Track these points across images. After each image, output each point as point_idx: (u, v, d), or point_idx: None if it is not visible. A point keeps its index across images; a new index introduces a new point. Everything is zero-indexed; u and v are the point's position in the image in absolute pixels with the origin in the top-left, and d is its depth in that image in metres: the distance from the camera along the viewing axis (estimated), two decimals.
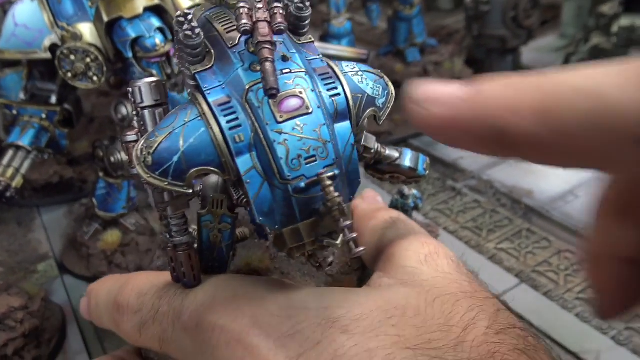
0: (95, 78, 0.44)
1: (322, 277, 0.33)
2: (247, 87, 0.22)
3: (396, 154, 0.29)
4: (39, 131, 0.48)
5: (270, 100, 0.22)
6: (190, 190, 0.23)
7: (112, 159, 0.52)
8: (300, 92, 0.22)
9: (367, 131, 0.27)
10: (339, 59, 0.51)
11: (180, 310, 0.26)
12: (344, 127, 0.23)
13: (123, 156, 0.52)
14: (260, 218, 0.23)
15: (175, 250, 0.26)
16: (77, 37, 0.42)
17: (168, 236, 0.26)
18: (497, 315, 0.24)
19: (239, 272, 0.32)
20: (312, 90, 0.23)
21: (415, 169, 0.30)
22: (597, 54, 0.70)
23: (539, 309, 0.46)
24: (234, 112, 0.22)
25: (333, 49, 0.55)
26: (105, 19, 0.42)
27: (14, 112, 0.48)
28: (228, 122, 0.22)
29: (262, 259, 0.33)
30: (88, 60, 0.43)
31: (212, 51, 0.23)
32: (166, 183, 0.22)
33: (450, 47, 0.82)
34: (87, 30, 0.43)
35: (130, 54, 0.43)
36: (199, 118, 0.22)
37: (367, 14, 0.72)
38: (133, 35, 0.42)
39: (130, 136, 0.26)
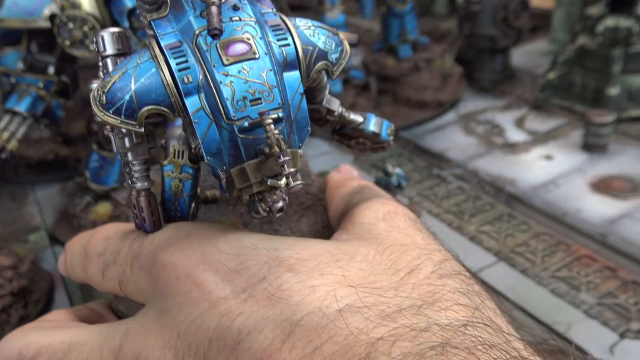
0: (91, 46, 0.45)
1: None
2: (196, 31, 0.24)
3: (360, 119, 0.31)
4: (35, 99, 0.49)
5: (218, 45, 0.23)
6: (143, 129, 0.24)
7: (106, 132, 0.53)
8: (248, 39, 0.24)
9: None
10: None
11: (138, 251, 0.27)
12: (293, 76, 0.24)
13: None
14: (209, 158, 0.24)
15: (137, 196, 0.27)
16: (76, 6, 0.44)
17: (130, 182, 0.28)
18: (444, 263, 0.25)
19: None
20: (261, 38, 0.24)
21: (379, 133, 0.31)
22: (583, 54, 0.72)
23: (515, 284, 0.47)
24: (183, 55, 0.23)
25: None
26: None
27: (12, 80, 0.49)
28: (178, 64, 0.23)
29: (235, 223, 0.33)
30: (86, 28, 0.44)
31: (168, 1, 0.25)
32: (119, 121, 0.23)
33: (442, 46, 0.84)
34: (85, 0, 0.44)
35: (126, 24, 0.45)
36: (151, 60, 0.24)
37: (361, 8, 0.74)
38: (130, 5, 0.44)
39: (94, 84, 0.27)
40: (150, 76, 0.23)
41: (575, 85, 0.74)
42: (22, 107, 0.48)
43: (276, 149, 0.23)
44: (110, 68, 0.26)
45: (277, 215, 0.25)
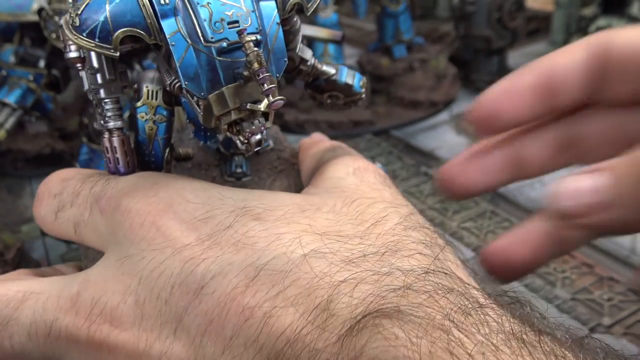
0: None
1: None
2: None
3: (333, 70, 0.31)
4: (25, 91, 0.51)
5: None
6: (118, 54, 0.24)
7: (96, 125, 0.55)
8: None
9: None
10: (314, 39, 0.54)
11: (99, 194, 0.27)
12: (269, 6, 0.25)
13: None
14: (186, 83, 0.24)
15: (110, 136, 0.27)
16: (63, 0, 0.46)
17: (102, 122, 0.28)
18: (409, 216, 0.26)
19: None
20: None
21: (352, 85, 0.31)
22: None
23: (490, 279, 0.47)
24: None
25: (308, 29, 0.57)
26: None
27: (4, 72, 0.51)
28: None
29: None
30: None
31: None
32: (93, 44, 0.23)
33: (438, 46, 0.85)
34: None
35: None
36: None
37: (354, 8, 0.75)
38: None
39: (63, 20, 0.27)
40: None
41: None
42: (11, 98, 0.50)
43: (256, 65, 0.22)
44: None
45: (256, 149, 0.25)
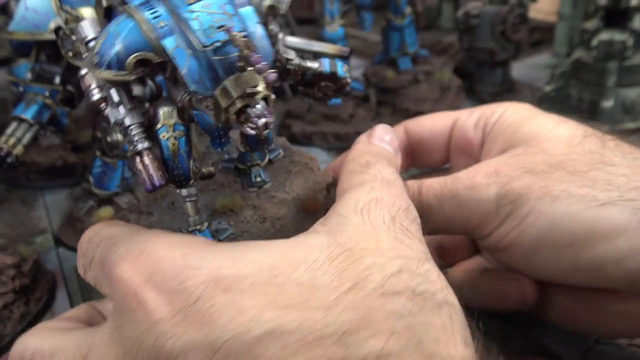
0: (73, 37, 0.48)
1: (291, 202, 0.37)
2: None
3: (316, 64, 0.34)
4: (41, 107, 0.52)
5: None
6: (134, 77, 0.28)
7: (109, 139, 0.56)
8: None
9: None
10: (321, 54, 0.56)
11: (104, 261, 0.28)
12: (247, 10, 0.28)
13: (119, 137, 0.56)
14: (194, 86, 0.27)
15: (141, 157, 0.30)
16: (79, 19, 0.47)
17: (132, 148, 0.30)
18: (396, 275, 0.24)
19: (214, 213, 0.35)
20: None
21: (336, 71, 0.34)
22: (579, 67, 0.73)
23: None
24: (153, 7, 0.28)
25: (316, 45, 0.59)
26: (105, 4, 0.46)
27: (21, 89, 0.52)
28: (150, 13, 0.27)
29: (234, 198, 0.36)
30: None
31: None
32: (112, 74, 0.27)
33: (442, 59, 0.86)
34: (88, 14, 0.47)
35: None
36: (127, 18, 0.28)
37: (360, 21, 0.77)
38: None
39: (84, 70, 0.31)
40: (130, 29, 0.27)
41: (571, 98, 0.75)
42: (28, 114, 0.51)
43: (246, 50, 0.26)
44: None
45: (265, 132, 0.28)
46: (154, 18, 0.27)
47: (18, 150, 0.49)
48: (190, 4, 0.27)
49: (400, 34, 0.79)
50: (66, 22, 0.48)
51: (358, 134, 0.80)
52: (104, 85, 0.29)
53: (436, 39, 1.06)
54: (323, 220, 0.29)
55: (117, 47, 0.27)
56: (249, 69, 0.27)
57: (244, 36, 0.27)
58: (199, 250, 0.26)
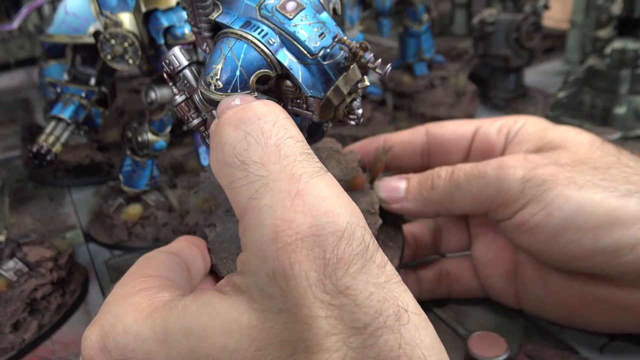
0: (130, 61, 0.50)
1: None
2: (257, 7, 0.30)
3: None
4: (78, 107, 0.54)
5: (277, 8, 0.30)
6: (256, 93, 0.30)
7: (139, 139, 0.58)
8: None
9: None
10: None
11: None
12: (325, 15, 0.31)
13: (149, 137, 0.58)
14: (310, 91, 0.30)
15: None
16: (118, 24, 0.49)
17: None
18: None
19: None
20: None
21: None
22: (592, 74, 0.75)
23: None
24: (258, 27, 0.30)
25: None
26: (143, 9, 0.48)
27: (58, 89, 0.54)
28: (258, 33, 0.30)
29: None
30: (126, 44, 0.49)
31: (217, 2, 0.31)
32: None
33: (457, 64, 0.88)
34: (127, 19, 0.49)
35: (162, 41, 0.49)
36: (238, 40, 0.30)
37: (379, 27, 0.78)
38: (166, 24, 0.49)
39: (180, 97, 0.33)
40: (246, 50, 0.30)
41: (584, 105, 0.76)
42: (66, 114, 0.53)
43: (361, 52, 0.29)
44: (190, 77, 0.32)
45: (361, 120, 0.32)
46: (263, 37, 0.30)
47: (57, 148, 0.51)
48: (292, 18, 0.30)
49: (417, 40, 0.81)
50: (105, 26, 0.50)
51: (375, 136, 0.82)
52: (204, 108, 0.32)
53: (449, 45, 1.08)
54: (241, 269, 0.27)
55: (239, 69, 0.29)
56: (352, 66, 0.30)
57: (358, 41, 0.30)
58: (147, 322, 0.27)
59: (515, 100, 0.88)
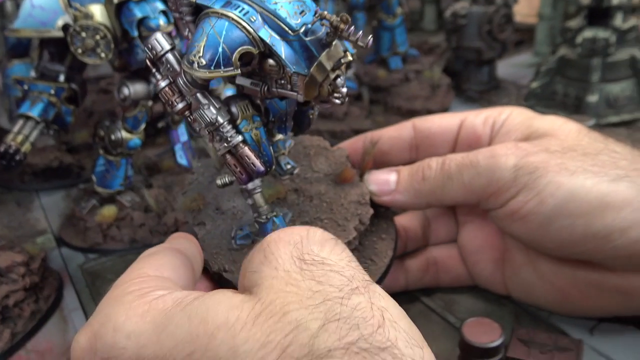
0: (102, 54, 0.48)
1: (325, 178, 0.41)
2: None
3: None
4: (47, 105, 0.52)
5: None
6: (239, 71, 0.30)
7: (113, 137, 0.56)
8: None
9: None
10: None
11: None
12: None
13: (123, 134, 0.56)
14: (293, 67, 0.30)
15: (238, 150, 0.32)
16: (89, 16, 0.47)
17: (226, 144, 0.32)
18: (324, 330, 0.23)
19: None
20: None
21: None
22: (564, 64, 0.76)
23: None
24: (239, 6, 0.30)
25: None
26: (115, 0, 0.47)
27: (25, 87, 0.52)
28: (240, 12, 0.29)
29: (277, 187, 0.40)
30: (97, 37, 0.47)
31: None
32: (221, 72, 0.29)
33: (431, 58, 0.88)
34: (97, 11, 0.48)
35: (135, 33, 0.48)
36: (220, 18, 0.29)
37: (353, 21, 0.78)
38: (139, 15, 0.47)
39: (163, 82, 0.32)
40: (228, 27, 0.29)
41: (557, 94, 0.77)
42: (35, 112, 0.51)
43: (342, 25, 0.29)
44: (173, 61, 0.31)
45: (346, 100, 0.32)
46: (244, 15, 0.29)
47: (26, 147, 0.49)
48: None
49: (391, 33, 0.80)
50: (75, 19, 0.48)
51: (352, 131, 0.81)
52: (189, 92, 0.31)
53: (420, 40, 1.08)
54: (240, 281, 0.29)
55: (222, 45, 0.29)
56: (334, 42, 0.30)
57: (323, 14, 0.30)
58: (134, 329, 0.27)
59: (489, 92, 0.88)
